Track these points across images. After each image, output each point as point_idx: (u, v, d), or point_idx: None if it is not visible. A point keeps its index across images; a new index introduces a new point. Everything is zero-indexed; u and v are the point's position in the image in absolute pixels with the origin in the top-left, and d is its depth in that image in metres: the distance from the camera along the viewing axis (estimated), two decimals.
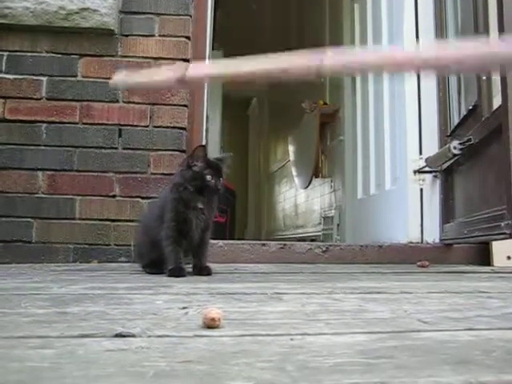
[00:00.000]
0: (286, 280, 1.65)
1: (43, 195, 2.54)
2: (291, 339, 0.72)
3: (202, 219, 1.79)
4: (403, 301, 1.14)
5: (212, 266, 1.89)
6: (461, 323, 0.87)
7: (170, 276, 1.69)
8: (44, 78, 2.60)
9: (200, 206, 1.77)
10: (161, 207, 1.86)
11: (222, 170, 1.79)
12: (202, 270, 1.78)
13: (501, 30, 1.99)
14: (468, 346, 0.70)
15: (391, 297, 1.23)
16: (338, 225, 4.70)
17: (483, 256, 2.67)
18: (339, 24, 4.67)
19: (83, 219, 2.53)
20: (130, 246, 2.51)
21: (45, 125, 2.57)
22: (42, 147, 2.56)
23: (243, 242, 2.62)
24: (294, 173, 6.31)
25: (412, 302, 1.12)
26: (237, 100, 8.51)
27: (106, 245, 2.52)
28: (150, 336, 0.72)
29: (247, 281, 1.58)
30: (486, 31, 2.23)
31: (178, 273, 1.70)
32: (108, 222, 2.54)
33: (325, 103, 5.28)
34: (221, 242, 2.51)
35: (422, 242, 2.88)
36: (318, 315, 0.92)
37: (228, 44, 5.60)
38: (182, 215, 1.77)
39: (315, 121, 5.25)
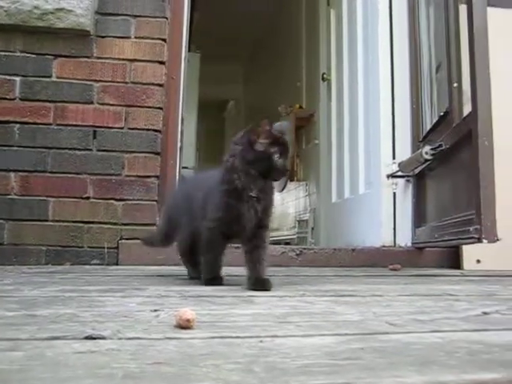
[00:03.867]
0: None
1: (15, 196, 2.51)
2: (261, 341, 0.72)
3: (256, 212, 1.46)
4: (373, 303, 1.16)
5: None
6: (427, 325, 0.89)
7: (206, 285, 1.51)
8: (18, 78, 2.57)
9: (255, 194, 1.44)
10: (205, 196, 1.54)
11: (289, 146, 1.46)
12: (257, 283, 1.43)
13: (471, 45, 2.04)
14: (433, 348, 0.72)
15: (361, 300, 1.25)
16: (313, 228, 4.73)
17: (454, 259, 2.71)
18: (316, 28, 4.71)
19: (56, 221, 2.51)
20: (103, 248, 2.49)
21: (18, 125, 2.54)
22: (15, 148, 2.53)
23: None
24: None
25: (382, 305, 1.14)
26: (213, 102, 8.51)
27: (79, 247, 2.50)
28: (120, 338, 0.73)
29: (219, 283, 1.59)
30: (457, 40, 2.28)
31: (216, 282, 1.53)
32: (81, 224, 2.52)
33: (300, 107, 5.32)
34: None
35: (394, 245, 2.92)
36: (288, 318, 0.94)
37: (205, 46, 5.60)
38: (233, 212, 1.45)
39: (290, 124, 5.27)
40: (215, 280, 1.53)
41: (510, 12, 2.83)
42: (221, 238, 1.52)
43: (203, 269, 1.55)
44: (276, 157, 1.40)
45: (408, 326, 0.88)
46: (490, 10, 2.01)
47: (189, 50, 3.21)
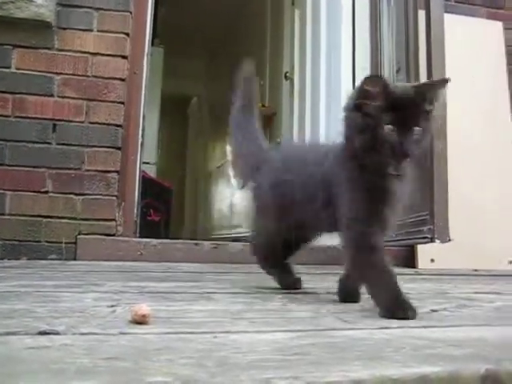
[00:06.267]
0: (217, 280, 1.67)
1: None
2: (214, 337, 0.74)
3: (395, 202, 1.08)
4: (328, 301, 1.19)
5: (145, 265, 1.89)
6: (378, 322, 0.91)
7: (393, 318, 0.95)
8: None
9: (396, 172, 1.05)
10: (318, 180, 1.15)
11: (420, 113, 1.01)
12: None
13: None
14: (381, 344, 0.74)
15: (317, 297, 1.28)
16: None
17: (409, 258, 2.78)
18: (280, 27, 4.74)
19: (13, 215, 2.47)
20: (61, 243, 2.47)
21: None
22: None
23: (176, 241, 2.63)
24: (232, 173, 6.33)
25: (336, 302, 1.17)
26: (176, 99, 8.46)
27: (37, 241, 2.47)
28: (74, 333, 0.73)
29: (178, 280, 1.60)
30: (416, 43, 2.34)
31: (409, 313, 0.97)
32: (39, 218, 2.48)
33: (263, 105, 5.33)
34: (154, 241, 2.51)
35: None
36: (243, 314, 0.95)
37: (169, 41, 5.57)
38: (381, 196, 1.05)
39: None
40: (408, 308, 0.98)
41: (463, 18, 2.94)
42: (380, 236, 1.06)
43: (378, 294, 1.03)
44: (387, 128, 0.98)
45: (359, 322, 0.91)
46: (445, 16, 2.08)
47: (152, 45, 3.19)
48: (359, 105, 1.01)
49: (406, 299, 0.99)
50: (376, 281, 1.03)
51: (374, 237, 1.04)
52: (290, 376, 0.55)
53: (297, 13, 4.12)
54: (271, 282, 1.65)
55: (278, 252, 1.36)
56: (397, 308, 0.97)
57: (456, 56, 2.54)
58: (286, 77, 4.23)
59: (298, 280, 1.40)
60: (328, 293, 1.37)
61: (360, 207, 1.05)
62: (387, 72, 2.91)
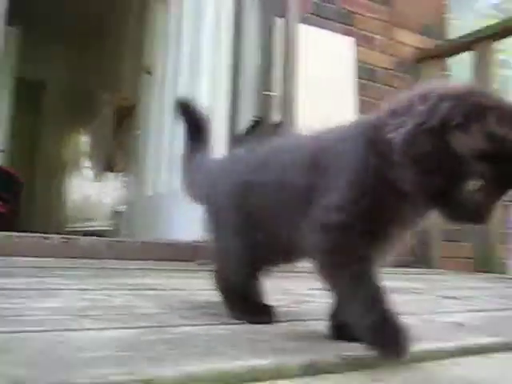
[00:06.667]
0: (65, 275, 1.63)
1: None
2: (54, 335, 0.74)
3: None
4: (173, 297, 1.22)
5: None
6: (216, 318, 0.96)
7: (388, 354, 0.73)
8: None
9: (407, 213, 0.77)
10: (312, 172, 0.82)
11: None
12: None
13: None
14: (218, 339, 0.79)
15: (163, 293, 1.31)
16: (128, 220, 4.71)
17: None
18: (143, 22, 4.68)
19: None
20: None
21: None
22: None
23: (24, 234, 2.51)
24: (88, 165, 6.16)
25: (181, 300, 1.20)
26: (31, 84, 8.01)
27: None
28: None
29: (22, 275, 1.54)
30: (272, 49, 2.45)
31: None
32: None
33: (124, 98, 5.25)
34: None
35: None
36: (87, 311, 0.96)
37: (28, 23, 5.27)
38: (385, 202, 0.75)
39: (112, 114, 5.19)
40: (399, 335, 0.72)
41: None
42: (370, 248, 0.77)
43: (356, 313, 0.76)
44: (473, 184, 0.66)
45: (199, 318, 0.95)
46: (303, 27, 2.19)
47: (9, 24, 3.00)
48: (443, 132, 0.66)
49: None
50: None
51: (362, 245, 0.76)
52: (125, 372, 0.58)
53: (161, 9, 4.11)
54: (119, 277, 1.65)
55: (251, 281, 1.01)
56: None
57: (310, 66, 2.69)
58: (146, 70, 4.21)
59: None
60: (174, 289, 1.40)
61: (363, 204, 0.75)
62: (249, 75, 2.99)
